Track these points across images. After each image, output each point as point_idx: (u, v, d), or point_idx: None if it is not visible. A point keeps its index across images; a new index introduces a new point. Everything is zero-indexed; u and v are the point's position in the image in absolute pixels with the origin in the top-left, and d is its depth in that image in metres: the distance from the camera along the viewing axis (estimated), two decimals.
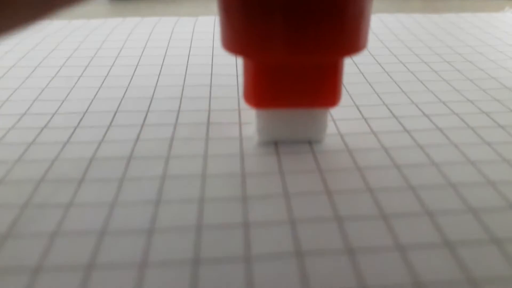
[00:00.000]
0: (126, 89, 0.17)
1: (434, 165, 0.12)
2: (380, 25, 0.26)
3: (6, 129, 0.14)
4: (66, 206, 0.10)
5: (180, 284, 0.08)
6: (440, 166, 0.12)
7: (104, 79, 0.18)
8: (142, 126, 0.14)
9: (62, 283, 0.08)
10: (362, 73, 0.19)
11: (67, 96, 0.16)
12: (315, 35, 0.10)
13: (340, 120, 0.14)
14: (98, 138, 0.13)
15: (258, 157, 0.12)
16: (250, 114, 0.14)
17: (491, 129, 0.14)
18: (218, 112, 0.15)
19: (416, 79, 0.18)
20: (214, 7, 0.31)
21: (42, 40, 0.23)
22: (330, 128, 0.14)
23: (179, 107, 0.15)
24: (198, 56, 0.21)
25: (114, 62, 0.20)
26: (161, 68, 0.19)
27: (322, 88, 0.12)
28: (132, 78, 0.18)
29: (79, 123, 0.14)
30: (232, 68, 0.19)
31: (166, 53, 0.21)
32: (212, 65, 0.20)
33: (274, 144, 0.13)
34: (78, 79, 0.18)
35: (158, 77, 0.18)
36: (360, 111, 0.15)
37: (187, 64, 0.20)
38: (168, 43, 0.22)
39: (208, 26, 0.26)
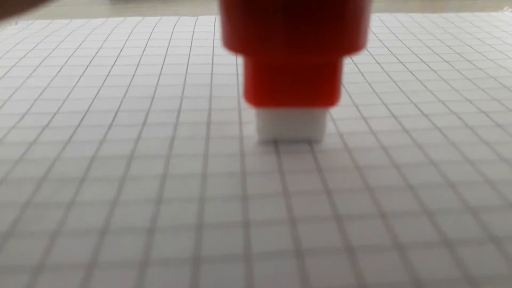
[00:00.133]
0: (127, 89, 0.17)
1: (433, 164, 0.12)
2: (380, 25, 0.26)
3: (8, 129, 0.14)
4: (67, 205, 0.11)
5: (180, 283, 0.08)
6: (439, 165, 0.12)
7: (105, 79, 0.18)
8: (143, 125, 0.14)
9: (63, 282, 0.08)
10: (361, 73, 0.19)
11: (68, 95, 0.16)
12: (314, 34, 0.10)
13: (340, 120, 0.15)
14: (99, 138, 0.13)
15: (258, 156, 0.12)
16: (250, 114, 0.14)
17: (490, 129, 0.14)
18: (218, 111, 0.15)
19: (415, 79, 0.18)
20: (215, 7, 0.31)
21: (43, 39, 0.23)
22: (330, 128, 0.14)
23: (180, 106, 0.16)
24: (198, 56, 0.21)
25: (115, 62, 0.20)
26: (162, 67, 0.19)
27: (322, 88, 0.12)
28: (133, 77, 0.18)
29: (80, 122, 0.14)
30: (232, 68, 0.19)
31: (166, 52, 0.21)
32: (212, 64, 0.20)
33: (274, 143, 0.13)
34: (79, 78, 0.18)
35: (159, 76, 0.18)
36: (359, 111, 0.15)
37: (188, 64, 0.20)
38: (169, 42, 0.22)
39: (209, 25, 0.26)
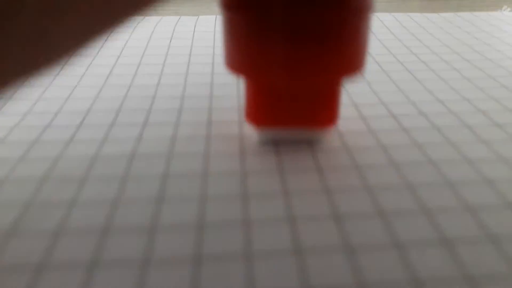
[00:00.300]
0: (128, 88, 0.17)
1: (431, 164, 0.12)
2: (379, 25, 0.26)
3: (10, 128, 0.14)
4: (69, 204, 0.11)
5: (181, 281, 0.09)
6: (437, 164, 0.12)
7: (107, 78, 0.18)
8: (144, 124, 0.14)
9: (65, 281, 0.09)
10: None
11: (69, 95, 0.16)
12: (314, 58, 0.11)
13: (339, 119, 0.15)
14: (101, 137, 0.14)
15: (258, 156, 0.13)
16: None
17: (489, 128, 0.14)
18: (219, 110, 0.15)
19: (414, 78, 0.18)
20: (215, 7, 0.31)
21: None
22: None
23: (181, 106, 0.16)
24: (199, 55, 0.21)
25: (116, 61, 0.20)
26: (163, 67, 0.19)
27: (321, 109, 0.12)
28: (134, 77, 0.18)
29: (82, 121, 0.14)
30: None
31: (167, 52, 0.21)
32: (213, 64, 0.20)
33: (274, 143, 0.13)
34: (81, 78, 0.18)
35: (160, 76, 0.18)
36: (358, 110, 0.15)
37: (189, 63, 0.20)
38: (170, 42, 0.23)
39: (209, 25, 0.26)
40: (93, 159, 0.12)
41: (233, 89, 0.17)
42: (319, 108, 0.12)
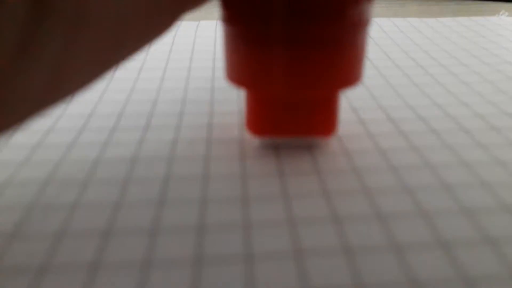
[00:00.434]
0: (130, 92, 0.17)
1: (429, 167, 0.12)
2: (377, 29, 0.26)
3: (12, 131, 0.14)
4: (71, 207, 0.11)
5: (182, 283, 0.09)
6: (435, 167, 0.12)
7: (109, 83, 0.18)
8: (145, 128, 0.14)
9: (67, 283, 0.09)
10: None
11: (72, 99, 0.17)
12: (313, 69, 0.11)
13: (339, 123, 0.15)
14: (103, 140, 0.14)
15: (259, 159, 0.13)
16: None
17: (486, 132, 0.14)
18: (219, 114, 0.15)
19: (412, 83, 0.18)
20: (216, 12, 0.31)
21: None
22: None
23: (182, 109, 0.16)
24: (200, 60, 0.21)
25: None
26: (164, 71, 0.19)
27: (320, 119, 0.12)
28: (135, 81, 0.18)
29: (84, 125, 0.15)
30: None
31: (169, 57, 0.21)
32: (213, 68, 0.20)
33: (275, 146, 0.13)
34: None
35: (162, 80, 0.18)
36: (357, 114, 0.15)
37: (190, 68, 0.20)
38: (171, 47, 0.23)
39: (210, 30, 0.26)
40: (95, 162, 0.13)
41: (233, 94, 0.17)
42: (318, 118, 0.12)
